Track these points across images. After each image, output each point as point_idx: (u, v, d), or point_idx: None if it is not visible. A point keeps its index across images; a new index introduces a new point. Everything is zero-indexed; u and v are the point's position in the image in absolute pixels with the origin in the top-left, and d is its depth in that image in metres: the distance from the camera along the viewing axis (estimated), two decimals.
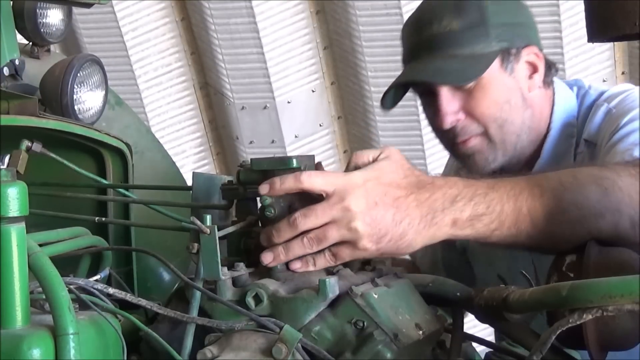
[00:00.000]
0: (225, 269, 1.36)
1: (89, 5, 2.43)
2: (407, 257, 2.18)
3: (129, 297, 1.34)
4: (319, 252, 1.38)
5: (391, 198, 1.37)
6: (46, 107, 2.15)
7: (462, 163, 2.11)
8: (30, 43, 2.37)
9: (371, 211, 1.36)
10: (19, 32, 2.31)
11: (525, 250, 1.58)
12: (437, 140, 2.14)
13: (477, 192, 1.41)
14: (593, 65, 4.03)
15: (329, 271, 1.41)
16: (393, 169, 1.41)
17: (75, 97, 2.16)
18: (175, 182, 2.48)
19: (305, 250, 1.37)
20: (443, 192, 1.40)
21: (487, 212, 1.40)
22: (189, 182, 1.72)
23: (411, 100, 4.07)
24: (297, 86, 4.46)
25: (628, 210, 1.41)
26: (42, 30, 2.34)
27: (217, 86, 4.60)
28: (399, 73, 2.09)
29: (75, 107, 2.17)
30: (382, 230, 1.36)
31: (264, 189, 1.39)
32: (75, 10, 2.60)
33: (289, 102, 4.46)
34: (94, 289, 1.31)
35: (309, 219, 1.36)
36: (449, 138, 2.06)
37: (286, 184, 1.37)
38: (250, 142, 4.59)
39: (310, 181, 1.36)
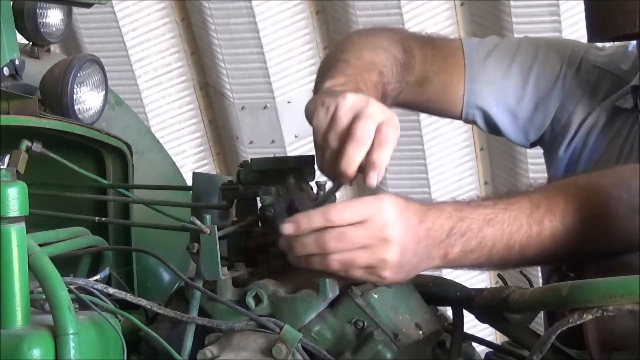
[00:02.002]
0: (225, 269, 1.36)
1: (89, 5, 2.44)
2: None
3: (129, 297, 1.34)
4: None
5: (411, 225, 1.32)
6: (46, 107, 2.15)
7: None
8: (30, 43, 2.38)
9: (402, 242, 1.30)
10: (19, 32, 2.32)
11: None
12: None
13: (470, 226, 1.36)
14: None
15: None
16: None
17: (75, 97, 2.17)
18: (175, 182, 2.48)
19: (321, 269, 1.30)
20: (440, 223, 1.34)
21: (478, 248, 1.36)
22: (189, 182, 1.72)
23: None
24: (297, 86, 4.46)
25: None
26: (42, 30, 2.35)
27: (217, 86, 4.60)
28: None
29: (75, 107, 2.17)
30: (405, 260, 1.31)
31: (289, 228, 1.30)
32: (75, 10, 2.61)
33: (289, 102, 4.46)
34: (94, 289, 1.31)
35: (343, 244, 1.28)
36: None
37: (314, 222, 1.29)
38: (250, 142, 4.59)
39: (340, 217, 1.29)
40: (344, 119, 1.35)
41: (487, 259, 1.38)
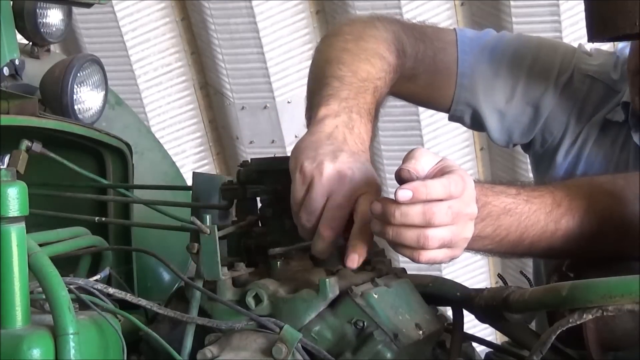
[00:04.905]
0: (225, 269, 1.36)
1: (89, 5, 2.44)
2: None
3: (129, 297, 1.34)
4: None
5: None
6: (46, 107, 2.15)
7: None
8: (30, 43, 2.38)
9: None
10: (19, 32, 2.32)
11: None
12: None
13: (490, 213, 1.37)
14: None
15: (329, 271, 1.41)
16: None
17: (75, 97, 2.17)
18: (175, 182, 2.48)
19: (411, 243, 1.25)
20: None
21: (491, 235, 1.38)
22: (189, 182, 1.72)
23: None
24: (297, 86, 4.46)
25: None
26: (42, 30, 2.35)
27: (217, 86, 4.60)
28: None
29: (75, 107, 2.18)
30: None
31: (404, 194, 1.20)
32: (75, 10, 2.61)
33: (289, 102, 4.46)
34: (94, 289, 1.31)
35: (447, 219, 1.23)
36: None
37: (434, 193, 1.21)
38: (250, 142, 4.59)
39: (456, 191, 1.22)
40: (316, 202, 1.31)
41: (495, 246, 1.39)
